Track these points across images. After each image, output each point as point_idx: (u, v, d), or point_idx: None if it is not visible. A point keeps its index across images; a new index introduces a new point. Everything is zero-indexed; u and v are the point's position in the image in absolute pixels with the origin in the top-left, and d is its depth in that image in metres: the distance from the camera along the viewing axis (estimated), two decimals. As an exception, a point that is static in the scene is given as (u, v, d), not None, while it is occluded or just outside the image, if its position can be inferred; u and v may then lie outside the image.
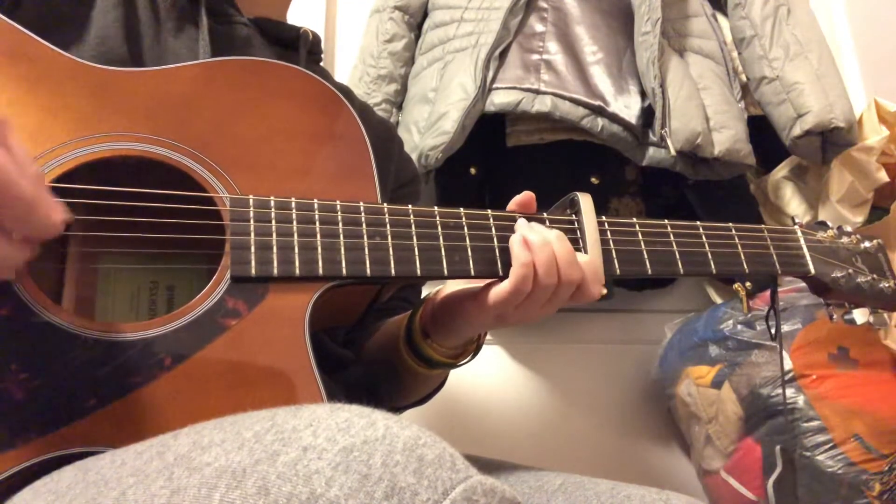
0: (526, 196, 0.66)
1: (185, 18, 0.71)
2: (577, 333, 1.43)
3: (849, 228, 0.83)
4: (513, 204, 0.67)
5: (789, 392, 1.09)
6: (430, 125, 1.20)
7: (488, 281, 0.63)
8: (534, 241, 0.61)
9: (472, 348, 0.71)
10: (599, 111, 1.19)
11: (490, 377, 1.38)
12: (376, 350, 0.77)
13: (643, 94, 1.22)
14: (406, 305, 0.86)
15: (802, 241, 0.77)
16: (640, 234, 0.68)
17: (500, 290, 0.61)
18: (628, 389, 1.42)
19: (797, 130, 1.24)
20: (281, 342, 0.53)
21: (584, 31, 1.26)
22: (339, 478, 0.33)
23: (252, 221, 0.55)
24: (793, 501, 1.06)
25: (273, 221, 0.56)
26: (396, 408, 0.81)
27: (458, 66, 1.24)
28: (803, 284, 0.81)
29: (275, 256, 0.54)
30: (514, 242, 0.61)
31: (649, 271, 0.67)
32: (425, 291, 0.92)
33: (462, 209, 0.63)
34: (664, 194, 1.42)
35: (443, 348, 0.69)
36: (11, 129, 0.43)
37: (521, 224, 0.63)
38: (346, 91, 0.83)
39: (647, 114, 1.21)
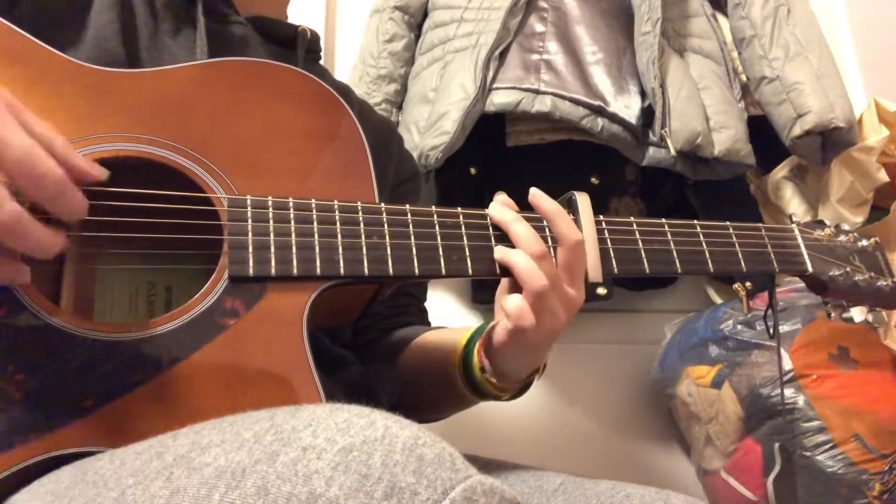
0: (503, 203, 0.65)
1: (182, 18, 0.71)
2: (577, 333, 1.43)
3: (846, 227, 0.83)
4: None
5: (789, 392, 1.09)
6: (430, 125, 1.20)
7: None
8: (514, 260, 0.60)
9: (518, 386, 0.69)
10: (599, 111, 1.18)
11: (490, 377, 1.38)
12: (419, 369, 0.76)
13: (643, 94, 1.22)
14: (416, 303, 0.87)
15: (800, 240, 0.77)
16: (637, 234, 0.68)
17: (501, 331, 0.61)
18: (628, 389, 1.41)
19: (797, 130, 1.24)
20: (279, 342, 0.53)
21: (584, 31, 1.26)
22: (339, 478, 0.33)
23: (250, 221, 0.55)
24: (792, 500, 1.05)
25: (271, 221, 0.56)
26: (424, 421, 0.79)
27: (458, 66, 1.24)
28: (803, 285, 0.81)
29: (272, 256, 0.54)
30: (506, 302, 0.60)
31: (647, 270, 0.67)
32: (431, 294, 0.92)
33: (460, 209, 0.63)
34: (664, 194, 1.42)
35: (499, 383, 0.67)
36: (22, 109, 0.44)
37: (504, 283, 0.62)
38: (345, 90, 0.83)
39: (647, 114, 1.21)
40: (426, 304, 0.91)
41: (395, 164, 0.84)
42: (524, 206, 0.66)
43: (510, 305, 0.60)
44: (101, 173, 0.48)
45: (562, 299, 0.62)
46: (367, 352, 0.79)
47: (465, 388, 0.69)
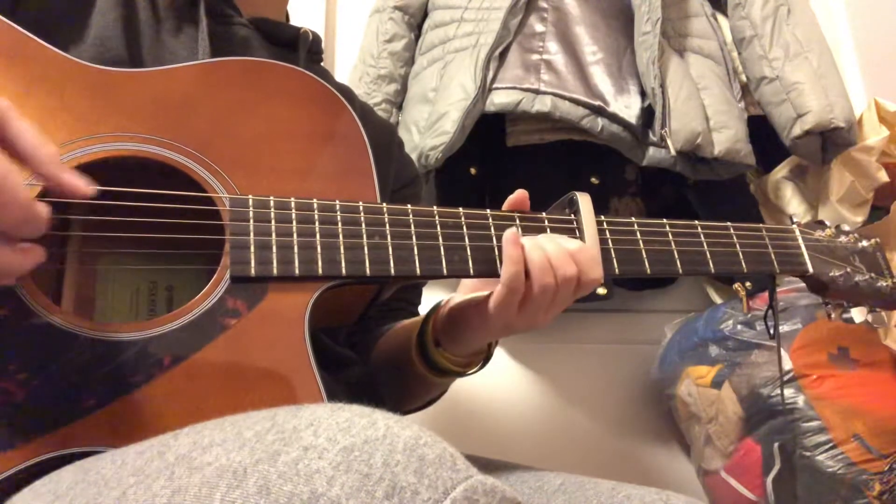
0: (519, 195, 0.66)
1: (185, 19, 0.71)
2: (577, 333, 1.43)
3: (847, 227, 0.83)
4: (507, 204, 0.67)
5: (789, 392, 1.09)
6: (430, 125, 1.20)
7: (491, 290, 0.63)
8: (525, 243, 0.61)
9: (482, 358, 0.71)
10: (599, 111, 1.19)
11: (490, 377, 1.38)
12: (385, 355, 0.77)
13: (643, 94, 1.22)
14: (408, 307, 0.86)
15: (800, 240, 0.77)
16: (638, 234, 0.68)
17: (495, 295, 0.61)
18: (628, 389, 1.42)
19: (797, 130, 1.24)
20: (281, 342, 0.53)
21: (584, 31, 1.26)
22: (340, 477, 0.33)
23: (251, 221, 0.55)
24: (791, 499, 1.06)
25: (272, 221, 0.56)
26: (402, 413, 0.81)
27: (458, 66, 1.24)
28: (803, 285, 0.81)
29: (274, 256, 0.54)
30: (506, 242, 0.61)
31: (648, 271, 0.67)
32: (428, 295, 0.92)
33: (461, 209, 0.63)
34: (664, 194, 1.42)
35: (454, 357, 0.69)
36: (13, 117, 0.43)
37: (512, 230, 0.63)
38: (346, 91, 0.83)
39: (647, 114, 1.21)
40: (422, 307, 0.91)
41: (396, 167, 0.84)
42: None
43: (511, 257, 0.60)
44: (90, 190, 0.47)
45: (559, 307, 0.63)
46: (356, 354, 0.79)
47: (422, 365, 0.70)
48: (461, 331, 0.67)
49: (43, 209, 0.43)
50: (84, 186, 0.47)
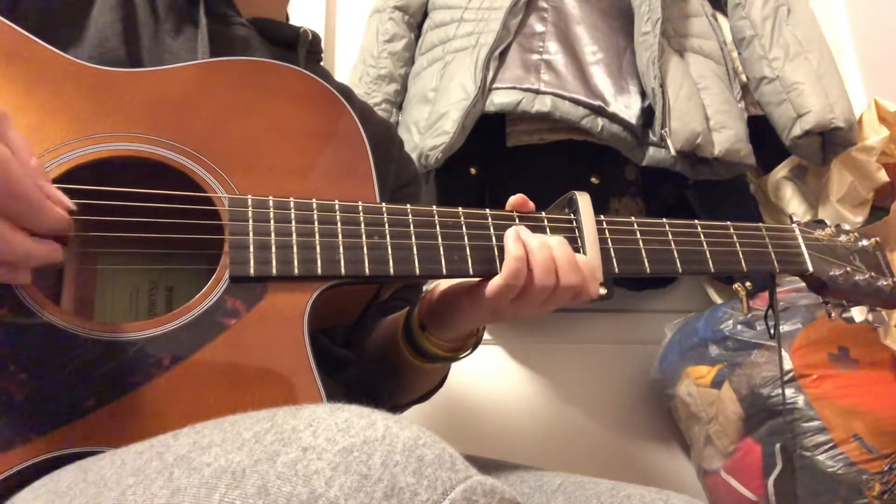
0: (519, 199, 0.66)
1: (184, 19, 0.71)
2: (577, 333, 1.43)
3: (847, 226, 0.83)
4: (507, 207, 0.67)
5: (789, 392, 1.09)
6: (430, 125, 1.20)
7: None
8: (529, 241, 0.61)
9: (472, 342, 0.71)
10: (599, 111, 1.19)
11: (490, 377, 1.38)
12: (376, 347, 0.77)
13: (643, 94, 1.22)
14: (407, 305, 0.86)
15: (800, 240, 0.77)
16: (638, 234, 0.68)
17: (493, 285, 0.61)
18: (628, 389, 1.42)
19: (797, 130, 1.24)
20: (280, 342, 0.53)
21: (584, 31, 1.26)
22: (339, 478, 0.33)
23: (251, 221, 0.55)
24: (792, 501, 1.06)
25: (272, 221, 0.56)
26: (397, 406, 0.81)
27: (458, 66, 1.24)
28: (803, 285, 0.81)
29: (273, 256, 0.54)
30: (508, 237, 0.61)
31: (647, 270, 0.67)
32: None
33: (461, 209, 0.63)
34: (664, 194, 1.42)
35: (441, 342, 0.69)
36: (10, 123, 0.43)
37: (520, 227, 0.63)
38: (346, 91, 0.83)
39: (647, 114, 1.21)
40: None
41: (396, 167, 0.84)
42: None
43: (512, 253, 0.60)
44: (71, 204, 0.48)
45: (552, 307, 0.63)
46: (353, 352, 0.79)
47: (408, 351, 0.70)
48: (449, 313, 0.67)
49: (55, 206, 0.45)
50: (66, 200, 0.48)
